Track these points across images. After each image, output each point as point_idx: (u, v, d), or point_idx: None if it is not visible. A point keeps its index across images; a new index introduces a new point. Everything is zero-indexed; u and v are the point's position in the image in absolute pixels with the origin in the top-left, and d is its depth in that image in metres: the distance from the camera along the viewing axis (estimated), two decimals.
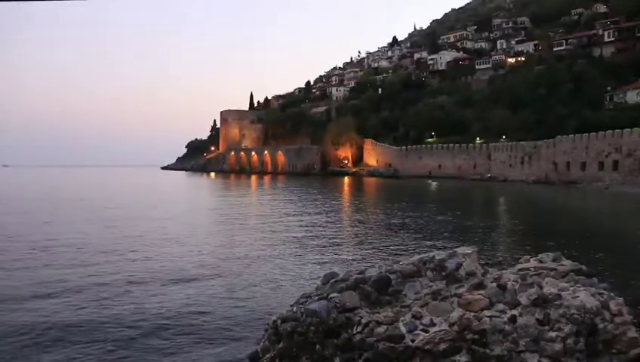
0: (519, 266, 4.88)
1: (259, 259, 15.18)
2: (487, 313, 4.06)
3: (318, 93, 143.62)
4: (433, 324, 4.04)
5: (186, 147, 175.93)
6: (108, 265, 14.06)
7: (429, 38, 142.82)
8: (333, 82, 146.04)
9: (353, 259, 15.00)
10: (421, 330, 4.03)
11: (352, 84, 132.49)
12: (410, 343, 3.95)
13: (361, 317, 4.19)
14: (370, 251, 16.52)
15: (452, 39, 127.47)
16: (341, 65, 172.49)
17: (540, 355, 3.86)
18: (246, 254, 16.03)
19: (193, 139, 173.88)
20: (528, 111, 73.02)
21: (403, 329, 4.04)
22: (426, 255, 4.88)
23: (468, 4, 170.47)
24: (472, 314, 4.06)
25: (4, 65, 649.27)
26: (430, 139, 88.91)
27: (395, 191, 52.88)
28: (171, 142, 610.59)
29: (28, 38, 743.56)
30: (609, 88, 70.25)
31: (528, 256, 5.12)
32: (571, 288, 4.24)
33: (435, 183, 66.98)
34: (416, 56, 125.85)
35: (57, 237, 19.35)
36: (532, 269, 4.65)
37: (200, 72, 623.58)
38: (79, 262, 14.52)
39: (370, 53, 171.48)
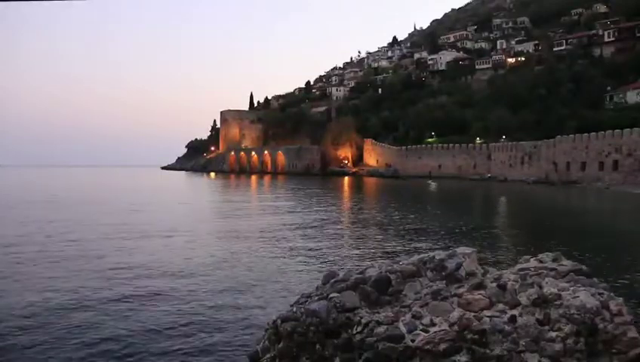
0: (519, 266, 4.87)
1: (259, 259, 15.18)
2: (487, 313, 4.06)
3: (318, 93, 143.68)
4: (433, 324, 4.04)
5: (186, 147, 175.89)
6: (105, 264, 14.06)
7: (429, 38, 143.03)
8: (333, 82, 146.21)
9: (353, 259, 15.00)
10: (421, 330, 4.02)
11: (352, 84, 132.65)
12: (410, 343, 3.95)
13: (361, 317, 4.18)
14: (370, 251, 16.52)
15: (452, 39, 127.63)
16: (341, 65, 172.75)
17: (540, 355, 3.86)
18: (246, 254, 16.03)
19: (193, 139, 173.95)
20: (528, 111, 73.04)
21: (403, 329, 4.04)
22: (426, 255, 4.88)
23: (468, 4, 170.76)
24: (472, 314, 4.06)
25: (4, 64, 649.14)
26: (430, 139, 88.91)
27: (394, 192, 52.87)
28: (171, 142, 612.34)
29: (27, 37, 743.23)
30: (609, 88, 70.33)
31: (528, 256, 5.11)
32: (571, 288, 4.23)
33: (435, 183, 66.97)
34: (417, 56, 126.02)
35: (50, 237, 19.36)
36: (532, 269, 4.64)
37: (200, 72, 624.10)
38: (74, 264, 14.51)
39: (370, 53, 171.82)
